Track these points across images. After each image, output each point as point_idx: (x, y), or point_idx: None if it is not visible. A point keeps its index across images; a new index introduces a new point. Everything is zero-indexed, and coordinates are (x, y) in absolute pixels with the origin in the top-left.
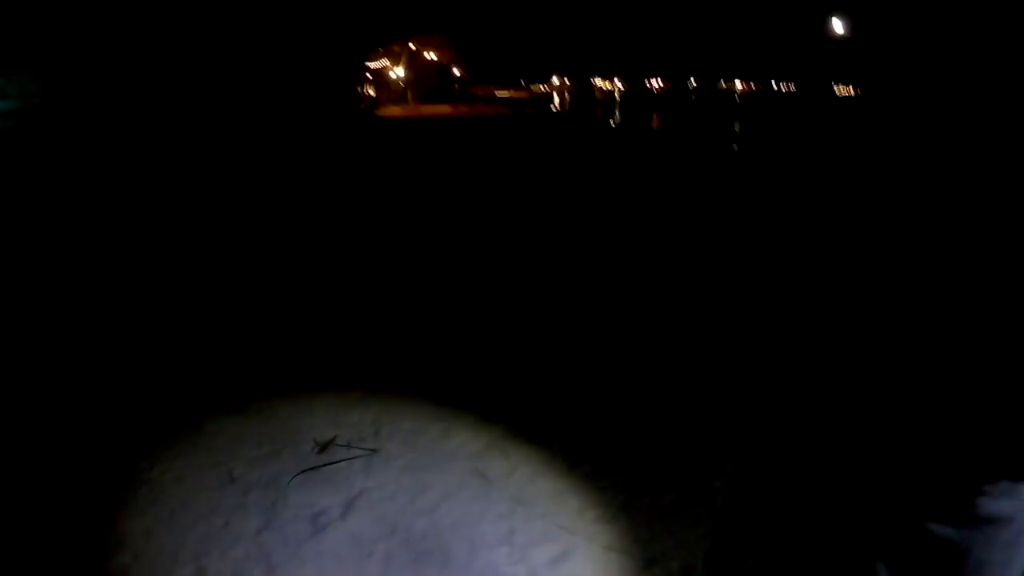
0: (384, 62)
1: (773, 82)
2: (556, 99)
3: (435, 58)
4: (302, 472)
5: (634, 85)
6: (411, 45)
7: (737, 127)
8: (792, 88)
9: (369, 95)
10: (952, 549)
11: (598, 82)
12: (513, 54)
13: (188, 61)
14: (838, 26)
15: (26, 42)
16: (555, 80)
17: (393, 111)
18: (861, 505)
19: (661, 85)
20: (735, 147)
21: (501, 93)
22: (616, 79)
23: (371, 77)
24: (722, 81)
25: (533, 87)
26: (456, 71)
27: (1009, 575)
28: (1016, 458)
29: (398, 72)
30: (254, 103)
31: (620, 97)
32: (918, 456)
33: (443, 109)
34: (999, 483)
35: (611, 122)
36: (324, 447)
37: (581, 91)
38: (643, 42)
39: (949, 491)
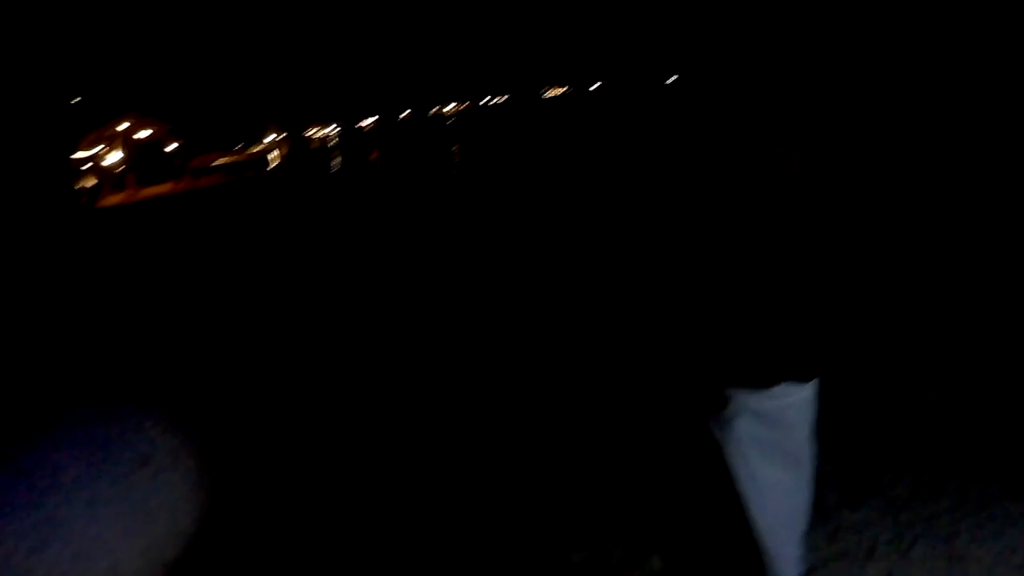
0: (98, 148)
1: (484, 97)
2: (273, 156)
3: (151, 135)
4: None
5: (348, 128)
6: (123, 125)
7: (456, 149)
8: (504, 98)
9: (84, 187)
10: (715, 438)
11: (312, 131)
12: (225, 118)
13: None
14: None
15: None
16: (269, 137)
17: (114, 199)
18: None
19: (373, 122)
20: (454, 172)
21: (220, 161)
22: (329, 125)
23: (87, 166)
24: (436, 107)
25: (250, 149)
26: (172, 145)
27: (754, 465)
28: (766, 369)
29: (112, 158)
30: None
31: (336, 142)
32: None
33: (164, 189)
34: (772, 387)
35: (330, 168)
36: None
37: (296, 144)
38: (351, 84)
39: (722, 389)
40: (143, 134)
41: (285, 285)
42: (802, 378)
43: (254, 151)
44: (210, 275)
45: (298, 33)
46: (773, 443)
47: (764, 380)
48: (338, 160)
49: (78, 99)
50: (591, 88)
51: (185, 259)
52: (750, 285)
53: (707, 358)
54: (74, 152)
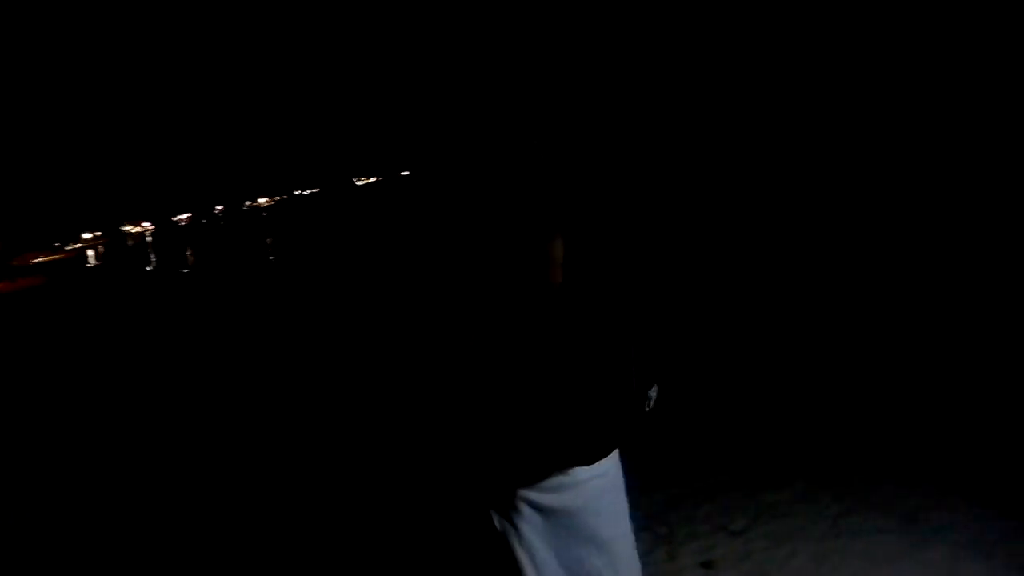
0: None
1: (295, 190)
2: (91, 254)
3: None
4: None
5: (163, 224)
6: None
7: (269, 240)
8: (314, 190)
9: None
10: (501, 534)
11: (128, 228)
12: (43, 216)
13: None
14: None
15: None
16: (85, 235)
17: None
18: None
19: (187, 217)
20: (270, 257)
21: (39, 259)
22: (144, 222)
23: None
24: (248, 201)
25: (67, 247)
26: None
27: (540, 558)
28: (555, 456)
29: None
30: None
31: (151, 238)
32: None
33: None
34: (549, 478)
35: (146, 267)
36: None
37: (112, 241)
38: (164, 180)
39: (509, 480)
40: None
41: (107, 383)
42: (583, 461)
43: (72, 248)
44: (34, 377)
45: (107, 130)
46: (559, 530)
47: (537, 472)
48: (154, 259)
49: None
50: (401, 175)
51: (9, 359)
52: (515, 371)
53: (483, 451)
54: None
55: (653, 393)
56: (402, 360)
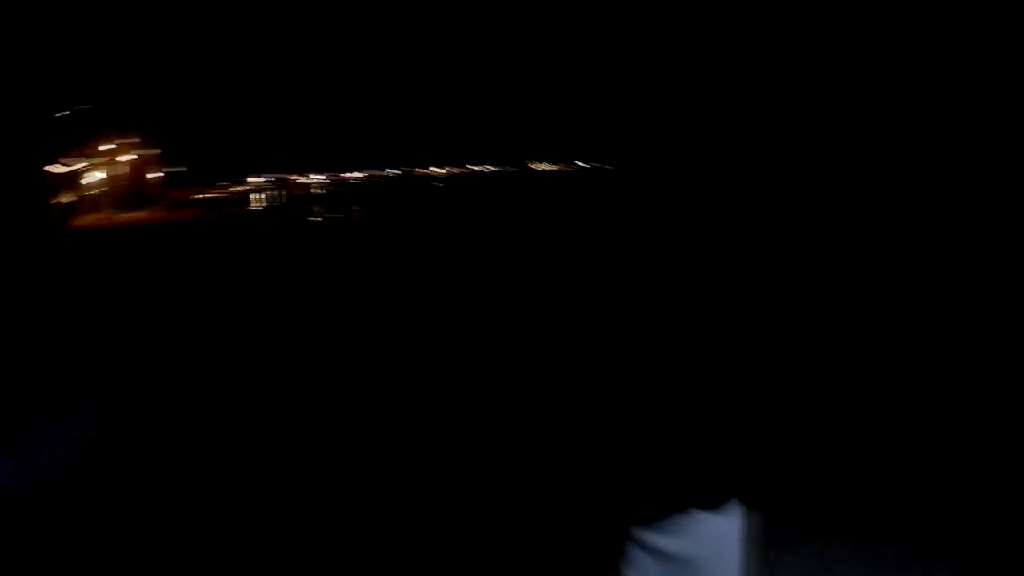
0: (76, 165)
1: (471, 165)
2: (254, 198)
3: (135, 160)
4: None
5: (333, 180)
6: (103, 147)
7: (436, 209)
8: (491, 168)
9: (60, 203)
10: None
11: (297, 179)
12: (212, 154)
13: None
14: None
15: None
16: (254, 179)
17: (87, 220)
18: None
19: (359, 177)
20: (437, 226)
21: (200, 195)
22: (314, 175)
23: (62, 183)
24: (422, 168)
25: (232, 187)
26: (153, 174)
27: None
28: (686, 496)
29: (92, 177)
30: None
31: (319, 191)
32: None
33: (140, 216)
34: (670, 518)
35: (313, 218)
36: None
37: (279, 189)
38: (341, 138)
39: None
40: (127, 158)
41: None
42: (709, 505)
43: (236, 190)
44: (180, 305)
45: (297, 82)
46: None
47: (661, 510)
48: (319, 210)
49: (65, 112)
50: (583, 165)
51: (153, 288)
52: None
53: (603, 485)
54: (53, 166)
55: (796, 424)
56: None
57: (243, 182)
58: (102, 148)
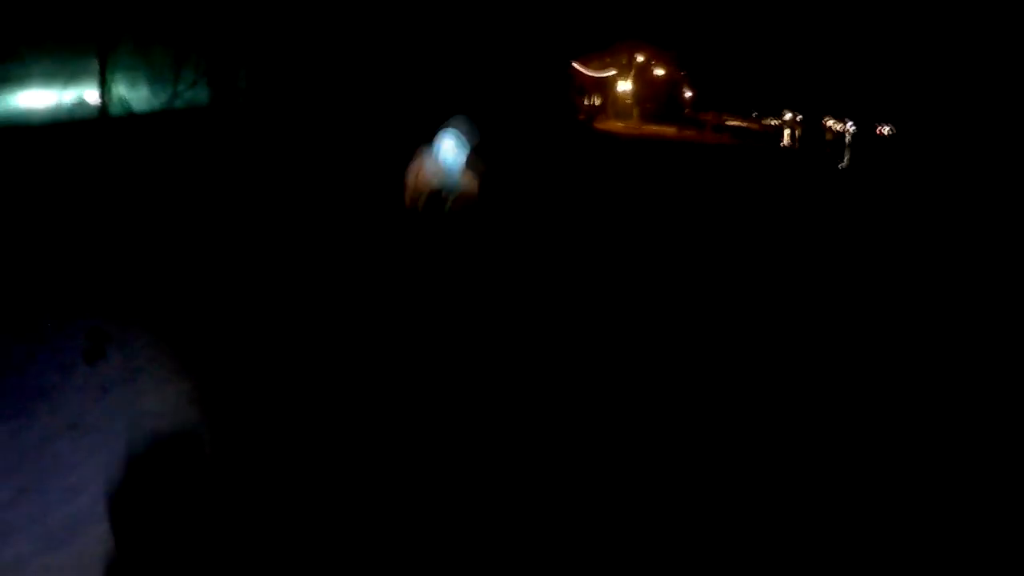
0: (610, 72)
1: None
2: (786, 135)
3: (664, 76)
4: None
5: (864, 128)
6: (639, 58)
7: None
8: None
9: (589, 105)
10: None
11: (829, 122)
12: (745, 83)
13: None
14: None
15: None
16: (787, 115)
17: (614, 126)
18: None
19: (891, 130)
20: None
21: (731, 122)
22: (847, 121)
23: (593, 87)
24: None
25: (763, 120)
26: (685, 92)
27: None
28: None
29: (624, 86)
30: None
31: (850, 139)
32: None
33: (668, 131)
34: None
35: (839, 165)
36: None
37: (811, 130)
38: (877, 86)
39: None
40: (657, 72)
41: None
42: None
43: (769, 123)
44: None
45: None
46: None
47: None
48: (847, 157)
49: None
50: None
51: (673, 206)
52: None
53: None
54: (583, 67)
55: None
56: None
57: (777, 117)
58: (639, 60)
